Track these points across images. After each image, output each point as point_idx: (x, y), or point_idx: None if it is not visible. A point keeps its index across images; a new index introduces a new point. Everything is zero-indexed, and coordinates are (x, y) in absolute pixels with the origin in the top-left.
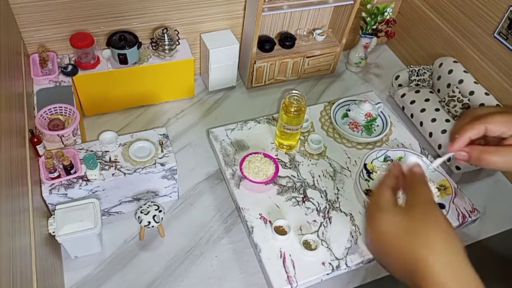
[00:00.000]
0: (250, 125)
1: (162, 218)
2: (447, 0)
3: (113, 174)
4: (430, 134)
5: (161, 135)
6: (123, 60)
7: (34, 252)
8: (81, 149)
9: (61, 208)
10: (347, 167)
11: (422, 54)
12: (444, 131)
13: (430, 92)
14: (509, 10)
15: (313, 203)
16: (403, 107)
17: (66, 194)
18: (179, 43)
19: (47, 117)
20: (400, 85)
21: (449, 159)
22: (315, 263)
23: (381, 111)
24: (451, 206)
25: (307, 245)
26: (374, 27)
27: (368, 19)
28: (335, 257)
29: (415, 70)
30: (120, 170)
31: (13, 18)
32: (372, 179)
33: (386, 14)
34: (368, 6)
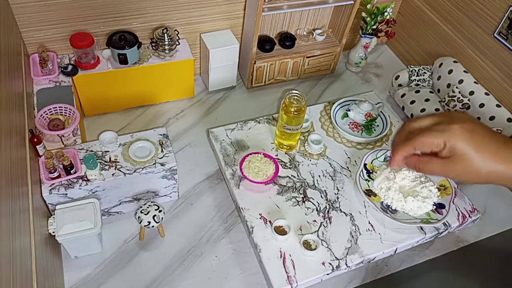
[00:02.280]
0: (250, 125)
1: (162, 218)
2: (447, 0)
3: (113, 174)
4: None
5: (161, 135)
6: (123, 60)
7: (34, 252)
8: (81, 149)
9: (61, 208)
10: (347, 167)
11: (422, 54)
12: None
13: (430, 92)
14: (509, 10)
15: (313, 203)
16: (403, 107)
17: (66, 194)
18: (179, 43)
19: (47, 117)
20: (400, 85)
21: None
22: (315, 263)
23: (381, 111)
24: (451, 206)
25: (307, 245)
26: (374, 27)
27: (368, 19)
28: (335, 257)
29: (415, 70)
30: (120, 170)
31: (13, 18)
32: (372, 179)
33: (386, 14)
34: (368, 6)
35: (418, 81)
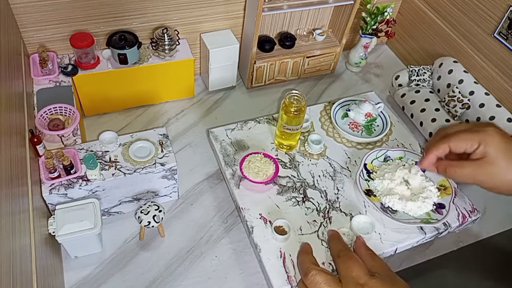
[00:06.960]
0: (250, 125)
1: (162, 218)
2: (447, 0)
3: (113, 174)
4: (430, 134)
5: (161, 135)
6: (123, 60)
7: (34, 252)
8: (81, 149)
9: (61, 208)
10: (347, 167)
11: (422, 54)
12: None
13: (430, 92)
14: (509, 10)
15: (313, 203)
16: (403, 107)
17: (66, 194)
18: (179, 43)
19: (47, 117)
20: (400, 85)
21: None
22: None
23: (381, 111)
24: (451, 206)
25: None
26: (374, 27)
27: (368, 19)
28: None
29: (415, 70)
30: (120, 170)
31: (13, 18)
32: (372, 179)
33: (386, 14)
34: (368, 6)
35: (418, 81)
